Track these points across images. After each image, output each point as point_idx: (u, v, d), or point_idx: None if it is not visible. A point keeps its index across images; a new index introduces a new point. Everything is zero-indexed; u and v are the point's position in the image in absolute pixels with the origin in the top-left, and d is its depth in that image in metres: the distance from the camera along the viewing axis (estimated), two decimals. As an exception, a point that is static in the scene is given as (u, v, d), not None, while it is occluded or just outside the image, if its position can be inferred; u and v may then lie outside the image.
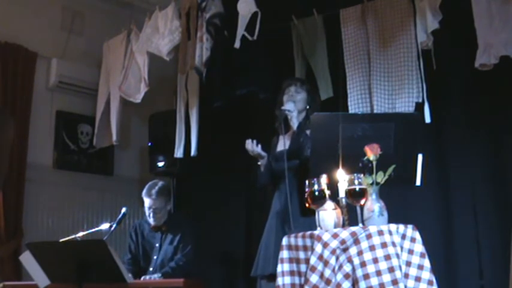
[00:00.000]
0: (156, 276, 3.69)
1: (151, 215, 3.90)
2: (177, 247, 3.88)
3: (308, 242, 2.48)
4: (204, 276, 4.08)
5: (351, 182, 2.50)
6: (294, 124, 3.21)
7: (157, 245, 3.94)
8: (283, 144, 3.23)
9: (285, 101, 3.28)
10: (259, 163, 3.33)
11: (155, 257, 3.90)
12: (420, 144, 2.89)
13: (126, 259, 3.94)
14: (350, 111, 3.76)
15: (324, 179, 2.59)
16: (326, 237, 2.39)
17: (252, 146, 3.27)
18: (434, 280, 2.43)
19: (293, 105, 3.22)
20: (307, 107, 3.31)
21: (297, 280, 2.52)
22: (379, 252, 2.33)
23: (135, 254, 3.99)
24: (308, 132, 3.17)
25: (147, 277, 3.70)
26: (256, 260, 3.22)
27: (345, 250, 2.36)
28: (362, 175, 2.52)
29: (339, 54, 3.92)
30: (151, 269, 3.88)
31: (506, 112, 3.58)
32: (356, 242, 2.36)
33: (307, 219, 2.99)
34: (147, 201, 3.91)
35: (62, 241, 3.54)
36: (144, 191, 3.95)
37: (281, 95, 3.35)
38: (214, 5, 4.15)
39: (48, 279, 3.25)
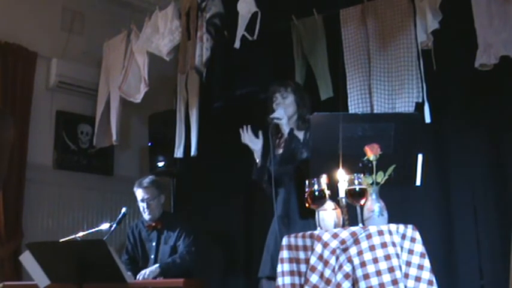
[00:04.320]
0: (153, 268, 3.70)
1: (144, 207, 3.95)
2: (174, 247, 3.91)
3: (308, 242, 2.48)
4: (204, 275, 4.08)
5: (351, 182, 2.50)
6: (285, 131, 3.21)
7: (153, 244, 3.99)
8: (279, 148, 3.25)
9: (275, 108, 3.26)
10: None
11: (152, 256, 3.95)
12: (420, 144, 2.89)
13: (123, 259, 3.97)
14: (350, 111, 3.76)
15: (324, 179, 2.59)
16: (326, 237, 2.39)
17: (243, 136, 3.29)
18: (434, 280, 2.43)
19: (282, 112, 3.19)
20: (298, 108, 3.29)
21: (297, 280, 2.52)
22: (379, 252, 2.33)
23: (133, 255, 4.03)
24: (301, 134, 3.20)
25: (144, 271, 3.70)
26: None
27: (345, 250, 2.36)
28: (362, 175, 2.52)
29: (339, 54, 3.92)
30: (149, 268, 3.90)
31: (506, 112, 3.57)
32: (356, 242, 2.36)
33: (305, 222, 3.01)
34: (139, 193, 3.97)
35: (62, 241, 3.55)
36: (135, 185, 4.02)
37: (269, 102, 3.32)
38: (214, 5, 4.15)
39: (48, 279, 3.26)
